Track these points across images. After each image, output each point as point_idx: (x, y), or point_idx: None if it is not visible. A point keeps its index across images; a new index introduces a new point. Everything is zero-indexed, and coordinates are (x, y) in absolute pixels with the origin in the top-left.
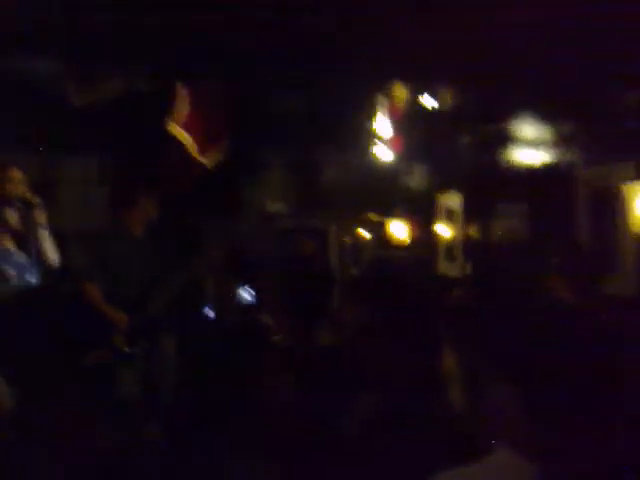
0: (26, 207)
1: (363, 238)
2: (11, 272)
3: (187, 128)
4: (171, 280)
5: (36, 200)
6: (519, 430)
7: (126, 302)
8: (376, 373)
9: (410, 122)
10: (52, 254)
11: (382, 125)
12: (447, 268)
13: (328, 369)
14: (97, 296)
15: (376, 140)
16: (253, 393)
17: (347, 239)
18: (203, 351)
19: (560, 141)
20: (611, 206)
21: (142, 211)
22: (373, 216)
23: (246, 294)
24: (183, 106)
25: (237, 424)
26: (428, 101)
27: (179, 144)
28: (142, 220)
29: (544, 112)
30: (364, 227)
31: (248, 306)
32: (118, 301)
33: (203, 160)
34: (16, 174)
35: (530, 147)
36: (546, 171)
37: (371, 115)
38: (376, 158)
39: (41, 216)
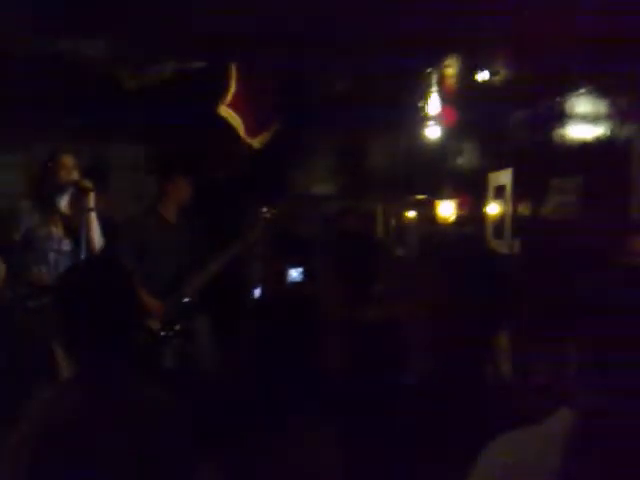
0: (78, 192)
1: (410, 219)
2: (57, 257)
3: (237, 110)
4: (207, 264)
5: (88, 185)
6: (583, 395)
7: (162, 286)
8: (426, 346)
9: (462, 97)
10: (98, 239)
11: (432, 103)
12: (495, 246)
13: (377, 342)
14: (137, 287)
15: (426, 118)
16: (304, 367)
17: (394, 220)
18: (250, 329)
19: (615, 115)
20: None
21: (177, 195)
22: (421, 197)
23: (295, 274)
24: (235, 88)
25: (289, 402)
26: (481, 76)
27: (229, 127)
28: (177, 204)
29: (599, 86)
30: (411, 208)
31: (297, 284)
32: (154, 285)
33: (252, 142)
34: (69, 161)
35: (584, 122)
36: (601, 146)
37: (421, 93)
38: (425, 138)
39: (91, 201)
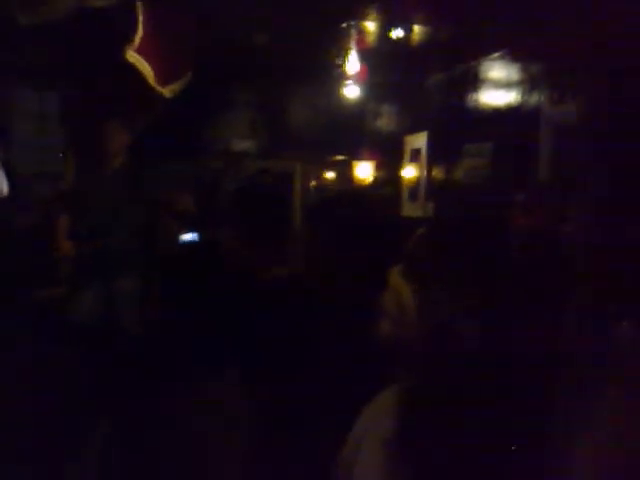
0: None
1: (329, 179)
2: None
3: (146, 56)
4: (127, 218)
5: None
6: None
7: (90, 236)
8: (325, 302)
9: (378, 56)
10: (1, 185)
11: (351, 61)
12: (410, 209)
13: (281, 297)
14: (62, 230)
15: (344, 78)
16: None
17: (312, 179)
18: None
19: (526, 80)
20: (572, 143)
21: (109, 143)
22: (339, 157)
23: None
24: (142, 31)
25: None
26: (398, 34)
27: (137, 74)
28: (110, 152)
29: (513, 52)
30: (330, 168)
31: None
32: (84, 235)
33: (163, 91)
34: None
35: (497, 87)
36: (512, 110)
37: (340, 51)
38: (344, 97)
39: None
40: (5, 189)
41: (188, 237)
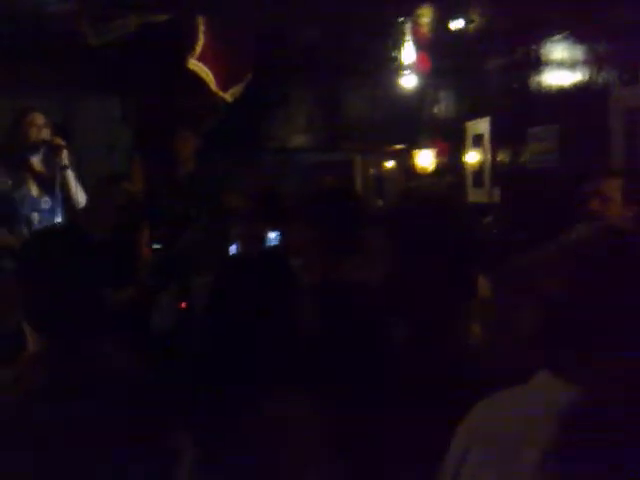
0: (50, 150)
1: (389, 169)
2: (36, 217)
3: (207, 63)
4: (197, 221)
5: (60, 142)
6: (558, 357)
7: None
8: (406, 306)
9: (437, 45)
10: (78, 195)
11: (407, 51)
12: (475, 195)
13: (357, 303)
14: (144, 235)
15: (401, 67)
16: (281, 328)
17: (372, 171)
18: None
19: (593, 61)
20: None
21: (181, 150)
22: (399, 147)
23: (273, 237)
24: (203, 40)
25: (268, 359)
26: (454, 24)
27: (199, 80)
28: (180, 159)
29: (576, 32)
30: (390, 158)
31: (275, 247)
32: (161, 239)
33: (224, 96)
34: (39, 118)
35: (561, 68)
36: (579, 92)
37: (396, 41)
38: (401, 86)
39: (65, 158)
40: (82, 198)
41: (267, 239)
